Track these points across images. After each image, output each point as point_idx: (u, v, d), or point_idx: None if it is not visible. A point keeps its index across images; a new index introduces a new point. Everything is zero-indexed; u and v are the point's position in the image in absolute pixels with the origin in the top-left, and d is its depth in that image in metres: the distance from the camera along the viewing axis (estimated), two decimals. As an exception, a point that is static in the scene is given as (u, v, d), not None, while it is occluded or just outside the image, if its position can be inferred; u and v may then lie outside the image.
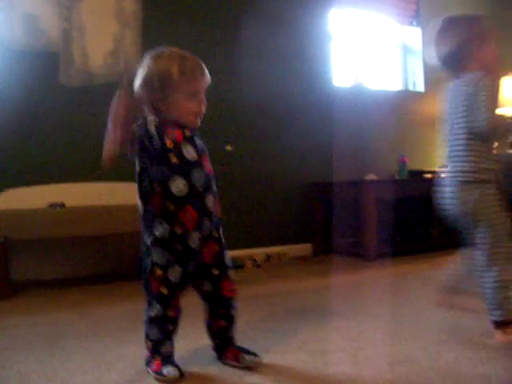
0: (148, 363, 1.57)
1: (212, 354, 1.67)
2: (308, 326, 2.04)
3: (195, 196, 1.53)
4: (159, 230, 1.52)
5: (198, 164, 1.54)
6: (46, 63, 3.17)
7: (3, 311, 2.45)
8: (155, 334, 1.55)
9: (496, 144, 4.57)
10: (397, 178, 4.21)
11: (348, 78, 4.45)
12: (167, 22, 3.51)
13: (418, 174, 4.14)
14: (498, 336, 1.77)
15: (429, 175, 3.99)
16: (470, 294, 1.96)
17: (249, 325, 2.05)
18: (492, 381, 1.44)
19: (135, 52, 3.36)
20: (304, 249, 3.98)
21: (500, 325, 1.77)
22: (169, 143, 1.51)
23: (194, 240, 1.53)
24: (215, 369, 1.59)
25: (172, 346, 1.58)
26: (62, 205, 2.84)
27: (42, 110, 3.15)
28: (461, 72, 1.82)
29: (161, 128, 1.52)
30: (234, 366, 1.59)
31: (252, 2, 3.80)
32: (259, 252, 3.70)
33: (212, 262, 1.59)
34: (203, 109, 1.59)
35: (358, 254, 3.67)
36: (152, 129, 1.50)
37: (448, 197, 1.85)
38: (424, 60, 4.67)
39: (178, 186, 1.51)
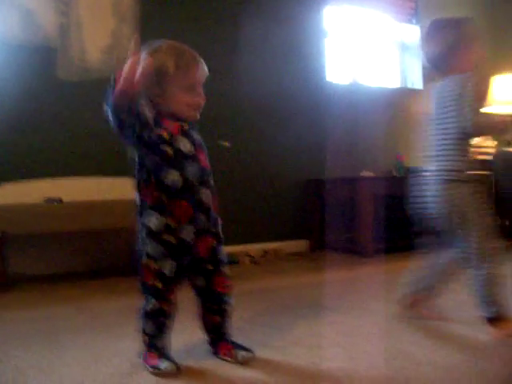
0: (144, 357, 1.57)
1: (207, 348, 1.68)
2: (303, 321, 2.04)
3: (189, 189, 1.53)
4: (153, 222, 1.52)
5: (193, 157, 1.55)
6: (43, 58, 3.17)
7: (0, 305, 2.45)
8: (150, 328, 1.56)
9: (496, 143, 4.61)
10: (395, 175, 4.21)
11: (345, 75, 4.46)
12: (164, 17, 3.51)
13: (416, 172, 4.14)
14: (493, 332, 1.79)
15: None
16: (429, 295, 2.00)
17: (244, 320, 2.06)
18: (488, 376, 1.46)
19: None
20: (300, 245, 3.99)
21: (493, 321, 1.79)
22: (165, 135, 1.52)
23: (189, 234, 1.54)
24: (210, 363, 1.60)
25: (168, 340, 1.59)
26: (59, 200, 2.84)
27: (39, 104, 3.14)
28: (448, 73, 1.85)
29: (158, 120, 1.52)
30: (229, 361, 1.60)
31: (249, -1, 3.81)
32: (255, 248, 3.71)
33: (207, 256, 1.59)
34: (201, 102, 1.59)
35: (354, 250, 3.68)
36: (149, 118, 1.50)
37: (431, 195, 1.86)
38: (422, 57, 4.69)
39: (172, 178, 1.51)
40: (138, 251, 1.57)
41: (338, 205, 3.81)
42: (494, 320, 1.79)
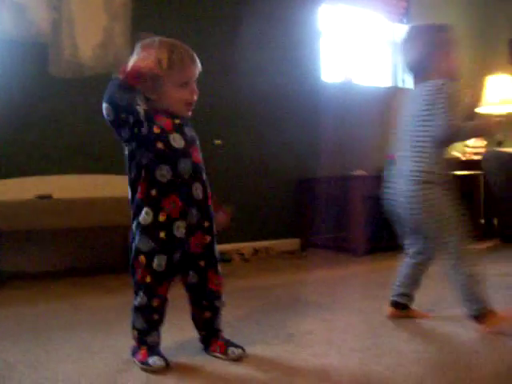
0: (134, 353, 1.57)
1: (199, 345, 1.68)
2: (295, 319, 2.05)
3: (181, 185, 1.53)
4: (144, 218, 1.52)
5: (185, 153, 1.55)
6: (35, 54, 3.15)
7: (-10, 302, 2.45)
8: (140, 323, 1.55)
9: (485, 143, 4.63)
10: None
11: (337, 74, 4.46)
12: (157, 13, 3.50)
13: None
14: (480, 328, 1.80)
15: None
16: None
17: (236, 317, 2.06)
18: (478, 372, 1.46)
19: (124, 44, 3.34)
20: (292, 243, 4.00)
21: (478, 318, 1.81)
22: (156, 130, 1.52)
23: (180, 229, 1.53)
24: (201, 360, 1.59)
25: (158, 336, 1.58)
26: (50, 197, 2.83)
27: (31, 100, 3.13)
28: (425, 78, 1.88)
29: (151, 116, 1.52)
30: (220, 358, 1.60)
31: (243, -3, 3.81)
32: (247, 246, 3.71)
33: (199, 252, 1.59)
34: (195, 98, 1.59)
35: (346, 248, 3.69)
36: (142, 115, 1.50)
37: (404, 195, 1.88)
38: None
39: (163, 172, 1.51)
40: (130, 247, 1.56)
41: (330, 203, 3.82)
42: (479, 317, 1.81)
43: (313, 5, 4.19)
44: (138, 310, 1.55)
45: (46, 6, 3.18)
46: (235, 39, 3.75)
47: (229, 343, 1.63)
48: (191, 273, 1.60)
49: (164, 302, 1.57)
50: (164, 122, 1.54)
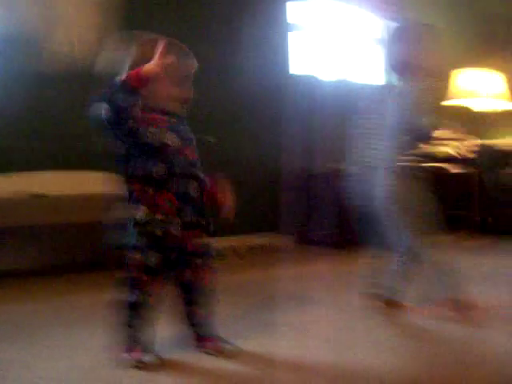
0: (127, 350, 1.57)
1: (191, 342, 1.68)
2: (287, 315, 2.06)
3: (176, 182, 1.54)
4: (138, 215, 1.52)
5: (179, 151, 1.55)
6: (20, 49, 3.12)
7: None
8: (133, 320, 1.56)
9: (479, 140, 4.63)
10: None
11: (331, 72, 4.46)
12: (144, 10, 3.48)
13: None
14: (454, 317, 1.86)
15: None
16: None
17: (228, 314, 2.06)
18: (466, 364, 1.48)
19: (111, 40, 3.33)
20: (285, 239, 3.99)
21: (452, 306, 1.86)
22: (151, 128, 1.52)
23: (175, 226, 1.54)
24: (194, 357, 1.60)
25: (151, 333, 1.59)
26: (42, 194, 2.81)
27: (17, 97, 3.09)
28: (406, 77, 1.94)
29: (146, 113, 1.52)
30: (213, 355, 1.60)
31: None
32: (239, 242, 3.70)
33: (194, 250, 1.60)
34: (189, 95, 1.60)
35: (337, 244, 3.70)
36: (137, 113, 1.50)
37: (364, 184, 1.95)
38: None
39: (158, 171, 1.52)
40: (124, 241, 1.57)
41: (324, 199, 3.82)
42: (452, 306, 1.86)
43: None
44: (131, 306, 1.56)
45: (32, 2, 3.15)
46: (205, 35, 3.71)
47: (220, 340, 1.64)
48: (185, 270, 1.61)
49: (157, 299, 1.58)
50: (159, 119, 1.55)
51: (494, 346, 1.65)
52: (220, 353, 1.60)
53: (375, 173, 1.92)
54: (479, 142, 4.69)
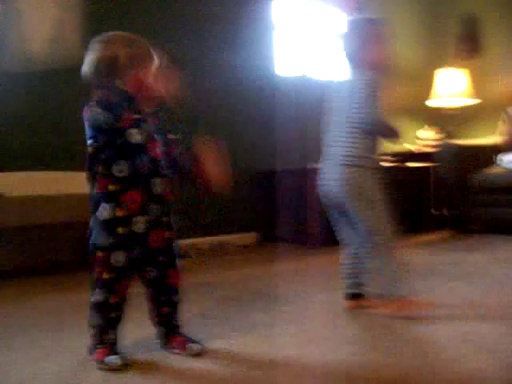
0: (91, 352, 1.54)
1: (157, 342, 1.66)
2: (253, 312, 2.05)
3: (139, 179, 1.52)
4: (102, 213, 1.50)
5: (142, 147, 1.53)
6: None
7: None
8: (98, 320, 1.53)
9: (441, 135, 4.73)
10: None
11: (292, 68, 4.48)
12: (110, 6, 3.43)
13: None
14: (390, 311, 1.89)
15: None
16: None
17: (194, 313, 2.05)
18: (428, 358, 1.50)
19: (76, 38, 3.26)
20: (249, 237, 4.00)
21: (391, 301, 1.89)
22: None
23: (139, 224, 1.52)
24: (160, 357, 1.58)
25: (116, 334, 1.56)
26: (0, 195, 2.74)
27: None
28: (359, 68, 1.98)
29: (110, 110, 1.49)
30: (179, 354, 1.58)
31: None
32: (203, 241, 3.69)
33: (159, 248, 1.58)
34: (154, 91, 1.57)
35: (303, 241, 3.72)
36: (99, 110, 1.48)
37: (327, 178, 1.98)
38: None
39: (121, 168, 1.49)
40: (89, 243, 1.54)
41: (287, 196, 3.83)
42: (391, 300, 1.89)
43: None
44: (95, 306, 1.53)
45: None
46: (189, 35, 3.71)
47: (187, 339, 1.62)
48: (150, 268, 1.59)
49: (123, 299, 1.55)
50: (124, 116, 1.51)
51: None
52: (186, 351, 1.58)
53: (336, 169, 1.95)
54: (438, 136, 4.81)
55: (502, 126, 4.29)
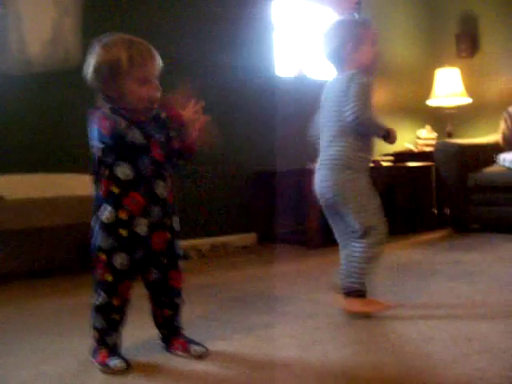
0: (93, 355, 1.54)
1: (160, 344, 1.65)
2: (254, 313, 2.05)
3: (141, 181, 1.51)
4: (105, 215, 1.50)
5: (145, 150, 1.52)
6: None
7: None
8: (100, 322, 1.53)
9: (436, 134, 4.73)
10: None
11: (291, 69, 4.48)
12: (109, 8, 3.42)
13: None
14: (346, 305, 1.93)
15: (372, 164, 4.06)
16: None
17: (195, 314, 2.05)
18: (429, 358, 1.50)
19: (76, 40, 3.26)
20: (248, 238, 3.99)
21: (352, 295, 1.92)
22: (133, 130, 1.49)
23: (141, 227, 1.51)
24: (163, 359, 1.58)
25: (118, 336, 1.56)
26: (0, 197, 2.74)
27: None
28: (342, 68, 1.99)
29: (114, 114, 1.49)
30: (182, 356, 1.58)
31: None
32: (203, 242, 3.69)
33: (162, 250, 1.57)
34: (157, 94, 1.57)
35: (302, 242, 3.71)
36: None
37: (322, 180, 1.98)
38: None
39: (123, 171, 1.49)
40: (91, 245, 1.54)
41: (286, 197, 3.83)
42: (353, 295, 1.91)
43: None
44: (97, 309, 1.53)
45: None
46: (189, 35, 3.71)
47: (190, 341, 1.62)
48: (152, 270, 1.59)
49: (125, 301, 1.55)
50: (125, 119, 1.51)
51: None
52: (189, 353, 1.57)
53: (327, 171, 1.96)
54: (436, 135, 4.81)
55: (502, 125, 4.29)
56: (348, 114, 1.86)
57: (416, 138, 4.92)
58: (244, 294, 2.40)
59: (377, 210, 1.93)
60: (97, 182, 1.53)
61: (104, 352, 1.51)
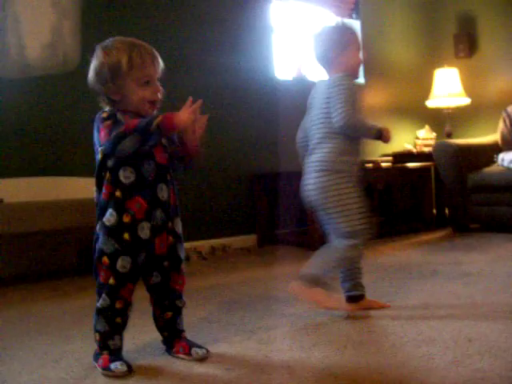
0: (96, 358, 1.54)
1: (161, 347, 1.66)
2: (255, 315, 2.05)
3: (145, 185, 1.52)
4: (108, 219, 1.50)
5: (148, 153, 1.53)
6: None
7: None
8: (103, 326, 1.53)
9: (435, 134, 4.73)
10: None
11: (290, 71, 4.48)
12: (108, 12, 3.43)
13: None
14: (307, 296, 1.96)
15: (370, 164, 4.06)
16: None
17: (196, 317, 2.05)
18: (431, 359, 1.50)
19: (74, 43, 3.27)
20: (249, 240, 4.00)
21: (313, 286, 1.95)
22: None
23: (144, 230, 1.52)
24: (165, 362, 1.58)
25: (120, 339, 1.56)
26: (1, 200, 2.74)
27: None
28: (330, 72, 2.05)
29: (118, 117, 1.50)
30: (183, 359, 1.59)
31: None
32: (204, 244, 3.69)
33: (164, 253, 1.58)
34: (159, 96, 1.58)
35: (303, 244, 3.71)
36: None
37: (308, 184, 2.01)
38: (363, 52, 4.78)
39: (127, 174, 1.50)
40: (94, 249, 1.54)
41: (287, 199, 3.83)
42: (315, 285, 1.94)
43: (264, 2, 4.19)
44: (100, 312, 1.53)
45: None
46: (188, 38, 3.72)
47: (192, 343, 1.62)
48: (155, 273, 1.59)
49: (127, 305, 1.55)
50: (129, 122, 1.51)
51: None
52: (191, 356, 1.58)
53: (313, 174, 1.99)
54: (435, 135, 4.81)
55: (501, 125, 4.29)
56: (336, 119, 1.90)
57: (415, 138, 4.93)
58: (245, 296, 2.41)
59: (361, 213, 1.94)
60: (99, 185, 1.53)
61: (106, 355, 1.52)
